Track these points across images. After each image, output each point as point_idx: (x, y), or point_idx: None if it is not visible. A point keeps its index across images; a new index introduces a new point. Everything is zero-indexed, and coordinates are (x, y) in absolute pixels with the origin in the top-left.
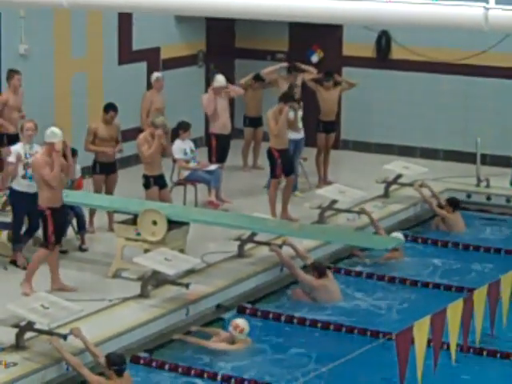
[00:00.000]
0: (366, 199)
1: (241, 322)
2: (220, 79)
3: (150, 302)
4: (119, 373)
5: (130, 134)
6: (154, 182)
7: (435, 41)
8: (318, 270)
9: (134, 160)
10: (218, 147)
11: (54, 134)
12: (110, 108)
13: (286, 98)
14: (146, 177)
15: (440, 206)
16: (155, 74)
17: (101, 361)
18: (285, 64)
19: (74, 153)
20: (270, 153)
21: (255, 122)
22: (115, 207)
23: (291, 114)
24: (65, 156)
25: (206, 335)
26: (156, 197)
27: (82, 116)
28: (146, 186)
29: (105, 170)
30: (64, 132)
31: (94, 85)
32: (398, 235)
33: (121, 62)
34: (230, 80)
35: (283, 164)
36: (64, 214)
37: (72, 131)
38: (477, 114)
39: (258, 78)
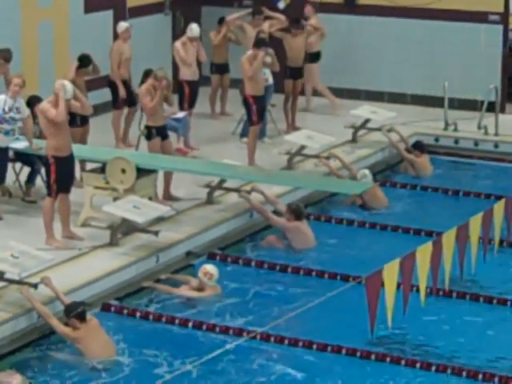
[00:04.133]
0: (334, 144)
1: (210, 268)
2: (195, 29)
3: (120, 250)
4: (79, 318)
5: (97, 83)
6: (157, 133)
7: None
8: (295, 212)
9: (101, 109)
10: (190, 94)
11: (65, 89)
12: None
13: (260, 43)
14: (148, 128)
15: (408, 151)
16: (124, 24)
17: None
18: (250, 10)
19: None
20: (245, 100)
21: (222, 68)
22: (84, 156)
23: (268, 58)
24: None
25: (175, 282)
26: (158, 148)
27: (48, 65)
28: (149, 137)
29: (82, 122)
30: (31, 80)
31: (60, 34)
32: (365, 172)
33: (87, 10)
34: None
35: (258, 110)
36: (71, 164)
37: (39, 80)
38: (444, 58)
39: (221, 21)
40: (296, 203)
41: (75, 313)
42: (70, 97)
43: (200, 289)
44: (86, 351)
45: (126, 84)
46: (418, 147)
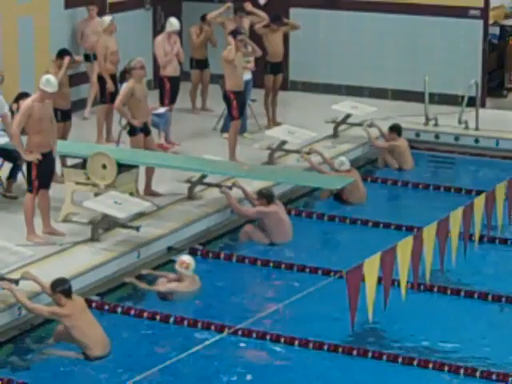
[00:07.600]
0: (315, 139)
1: (186, 257)
2: (174, 23)
3: (101, 245)
4: (66, 293)
5: (79, 79)
6: (140, 129)
7: None
8: (266, 196)
9: (81, 105)
10: (171, 90)
11: (49, 82)
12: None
13: (234, 33)
14: (131, 124)
15: (386, 140)
16: (107, 18)
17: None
18: (230, 4)
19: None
20: (226, 95)
21: (201, 64)
22: (65, 151)
23: (248, 47)
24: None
25: (156, 278)
26: (141, 144)
27: (29, 60)
28: (132, 132)
29: (63, 117)
30: (12, 76)
31: (41, 29)
32: (342, 159)
33: (67, 5)
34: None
35: (239, 106)
36: (51, 160)
37: (20, 75)
38: (424, 53)
39: (203, 18)
40: (264, 188)
41: (62, 288)
42: (52, 90)
43: (178, 280)
44: (73, 329)
45: (115, 78)
46: (396, 129)
